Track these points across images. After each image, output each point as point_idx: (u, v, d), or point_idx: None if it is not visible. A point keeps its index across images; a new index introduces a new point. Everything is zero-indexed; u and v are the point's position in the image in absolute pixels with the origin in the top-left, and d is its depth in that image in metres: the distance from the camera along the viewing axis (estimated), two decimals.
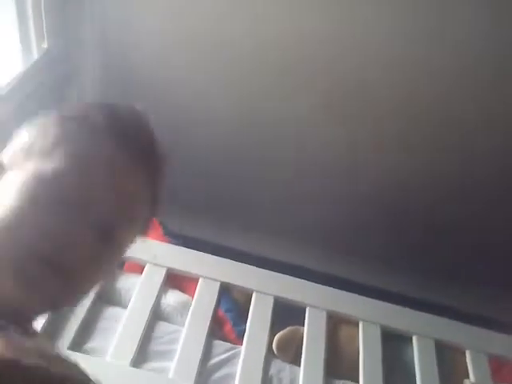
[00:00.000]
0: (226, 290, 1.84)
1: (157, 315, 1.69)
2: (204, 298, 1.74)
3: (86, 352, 1.50)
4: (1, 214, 0.53)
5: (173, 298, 1.77)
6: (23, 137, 0.59)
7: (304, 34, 1.75)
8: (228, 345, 1.69)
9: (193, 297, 1.74)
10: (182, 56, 1.87)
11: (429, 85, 1.81)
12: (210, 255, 1.87)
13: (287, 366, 1.68)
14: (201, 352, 1.58)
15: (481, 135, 1.89)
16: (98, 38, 1.87)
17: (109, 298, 1.71)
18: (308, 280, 1.90)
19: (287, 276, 1.89)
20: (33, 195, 0.53)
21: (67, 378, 0.54)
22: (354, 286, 1.95)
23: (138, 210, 0.60)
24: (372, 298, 1.91)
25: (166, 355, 1.59)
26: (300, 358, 1.67)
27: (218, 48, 1.81)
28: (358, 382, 1.68)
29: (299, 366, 1.66)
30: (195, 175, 2.09)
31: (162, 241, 1.95)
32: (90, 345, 1.54)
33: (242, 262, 1.89)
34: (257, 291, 1.80)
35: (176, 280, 1.85)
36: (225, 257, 1.88)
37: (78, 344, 1.51)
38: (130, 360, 1.49)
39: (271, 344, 1.70)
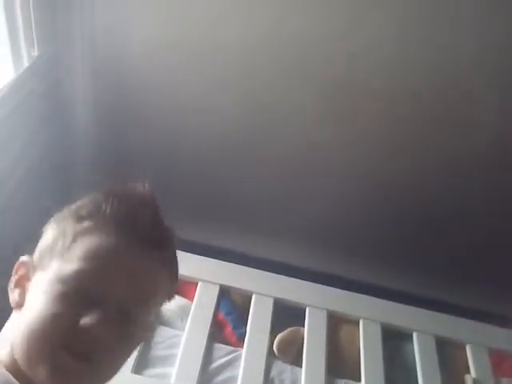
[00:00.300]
0: (225, 293, 1.84)
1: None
2: (204, 302, 1.74)
3: None
4: (34, 315, 0.63)
5: (173, 302, 1.76)
6: (47, 237, 0.69)
7: (296, 37, 1.75)
8: (229, 348, 1.68)
9: (192, 301, 1.73)
10: (175, 60, 1.86)
11: (426, 83, 1.81)
12: (208, 258, 1.87)
13: (289, 367, 1.68)
14: (202, 356, 1.58)
15: (480, 134, 1.90)
16: (88, 44, 1.85)
17: None
18: (308, 280, 1.90)
19: (286, 277, 1.89)
20: (56, 295, 0.62)
21: None
22: (354, 285, 1.95)
23: (152, 289, 0.68)
24: (371, 296, 1.91)
25: (167, 360, 1.59)
26: (301, 358, 1.68)
27: (212, 52, 1.80)
28: (359, 380, 1.68)
29: (301, 366, 1.66)
30: (191, 178, 2.08)
31: None
32: None
33: (241, 263, 1.88)
34: (256, 293, 1.80)
35: None
36: (223, 259, 1.88)
37: None
38: (131, 366, 1.49)
39: (272, 346, 1.70)
